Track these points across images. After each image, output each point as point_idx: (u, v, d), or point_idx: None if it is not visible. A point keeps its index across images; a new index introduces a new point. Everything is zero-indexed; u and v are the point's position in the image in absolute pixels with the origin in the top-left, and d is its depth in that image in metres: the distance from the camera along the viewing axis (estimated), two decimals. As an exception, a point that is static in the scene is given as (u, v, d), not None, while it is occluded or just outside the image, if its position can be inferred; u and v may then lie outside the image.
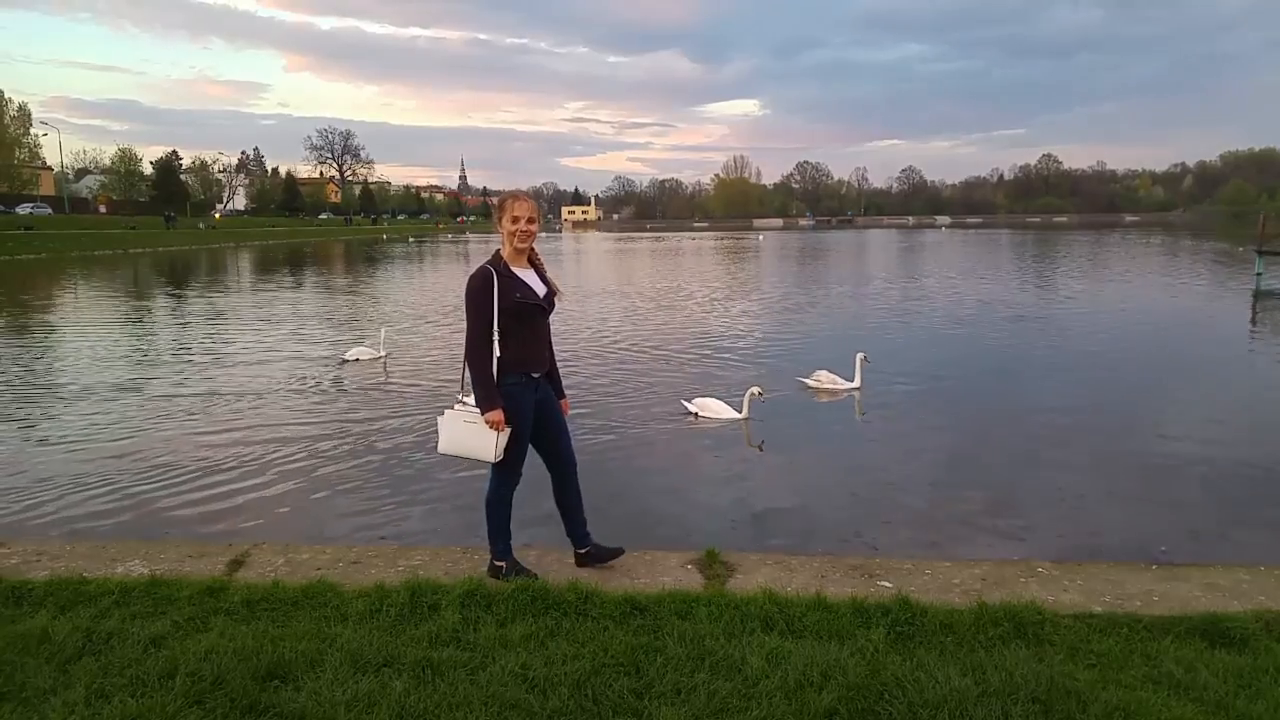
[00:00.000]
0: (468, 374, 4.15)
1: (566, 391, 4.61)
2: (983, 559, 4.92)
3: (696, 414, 9.05)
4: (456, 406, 4.24)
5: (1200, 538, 5.83)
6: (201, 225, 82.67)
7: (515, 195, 4.23)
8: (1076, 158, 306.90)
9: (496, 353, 4.04)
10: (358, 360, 13.04)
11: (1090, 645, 3.47)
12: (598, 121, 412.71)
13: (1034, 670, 3.14)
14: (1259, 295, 22.33)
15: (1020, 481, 7.15)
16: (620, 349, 14.12)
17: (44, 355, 13.91)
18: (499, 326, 4.02)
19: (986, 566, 4.57)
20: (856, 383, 10.13)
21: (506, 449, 4.19)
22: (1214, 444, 8.10)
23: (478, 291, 4.03)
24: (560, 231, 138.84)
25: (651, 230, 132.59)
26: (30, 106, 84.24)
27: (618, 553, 4.58)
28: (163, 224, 75.94)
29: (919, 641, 3.49)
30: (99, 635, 3.49)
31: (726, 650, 3.35)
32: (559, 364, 4.55)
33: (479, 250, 62.49)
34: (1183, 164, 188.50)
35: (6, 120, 77.92)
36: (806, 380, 10.38)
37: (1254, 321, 17.99)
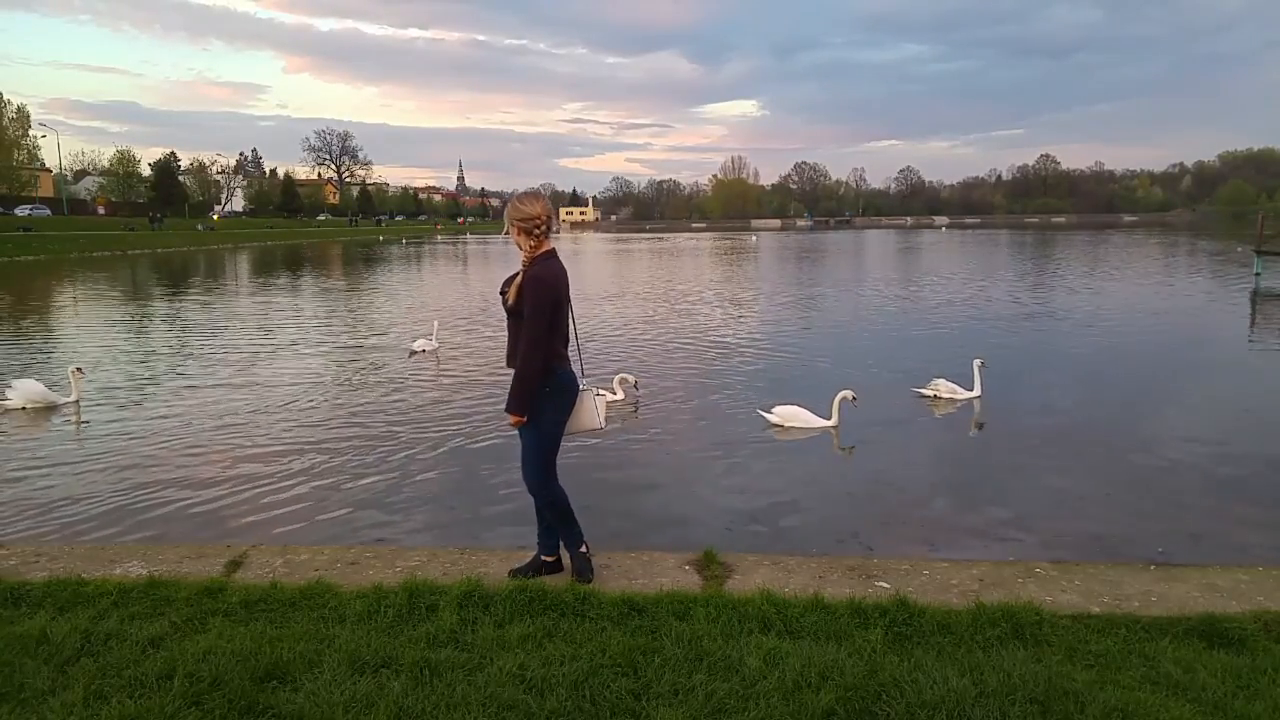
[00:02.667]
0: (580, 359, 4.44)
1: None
2: (980, 559, 4.92)
3: (781, 425, 8.56)
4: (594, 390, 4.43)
5: (1199, 538, 5.83)
6: (200, 227, 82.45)
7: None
8: (1075, 158, 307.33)
9: None
10: (423, 351, 13.57)
11: (1088, 646, 3.47)
12: (596, 122, 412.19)
13: (1032, 671, 3.14)
14: (1258, 295, 22.37)
15: (1018, 481, 7.15)
16: (671, 353, 13.89)
17: (50, 355, 13.90)
18: None
19: (984, 567, 4.57)
20: (977, 391, 9.77)
21: None
22: (1213, 444, 8.10)
23: None
24: (558, 233, 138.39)
25: (650, 231, 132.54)
26: (30, 108, 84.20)
27: (551, 568, 4.47)
28: (148, 226, 71.92)
29: (917, 642, 3.50)
30: (97, 636, 3.49)
31: (724, 651, 3.36)
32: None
33: (477, 252, 62.48)
34: (1181, 164, 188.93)
35: (5, 122, 77.75)
36: (923, 390, 9.95)
37: (1253, 322, 18.01)
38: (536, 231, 4.09)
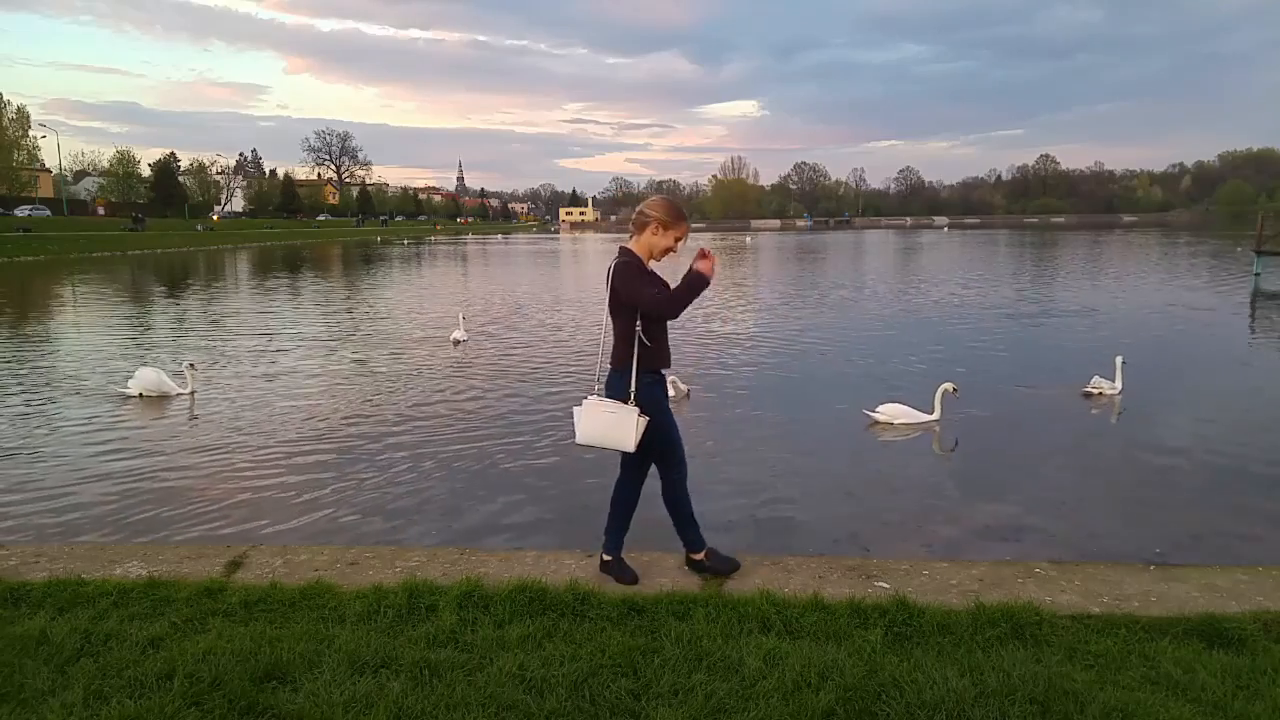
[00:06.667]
0: (604, 365, 4.22)
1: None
2: (980, 560, 4.91)
3: (890, 422, 8.58)
4: (593, 397, 4.17)
5: (1199, 538, 5.83)
6: (199, 227, 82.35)
7: (685, 216, 4.26)
8: (1074, 158, 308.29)
9: (639, 345, 4.04)
10: (466, 340, 14.50)
11: (1088, 646, 3.47)
12: (596, 123, 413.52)
13: (1032, 671, 3.14)
14: (1257, 295, 22.36)
15: (1017, 482, 7.14)
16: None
17: (49, 355, 13.89)
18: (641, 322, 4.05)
19: (984, 567, 4.57)
20: (1119, 386, 10.01)
21: (660, 441, 4.19)
22: (1212, 444, 8.09)
23: (639, 271, 4.09)
24: (558, 233, 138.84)
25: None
26: (31, 109, 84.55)
27: (731, 565, 4.48)
28: (130, 226, 67.69)
29: (916, 642, 3.50)
30: (97, 636, 3.49)
31: (724, 651, 3.36)
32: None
33: (476, 253, 62.47)
34: (1180, 164, 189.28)
35: (5, 123, 77.71)
36: (1088, 389, 10.04)
37: (1252, 321, 18.00)
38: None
